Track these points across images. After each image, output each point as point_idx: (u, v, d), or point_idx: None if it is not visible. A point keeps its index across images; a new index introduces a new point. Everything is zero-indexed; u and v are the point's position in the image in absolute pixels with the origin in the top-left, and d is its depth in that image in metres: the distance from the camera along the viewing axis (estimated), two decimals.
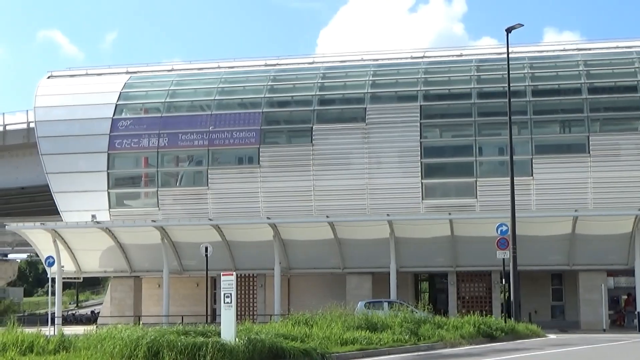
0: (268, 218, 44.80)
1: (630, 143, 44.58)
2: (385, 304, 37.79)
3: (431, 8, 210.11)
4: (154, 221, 46.37)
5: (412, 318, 29.81)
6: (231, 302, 21.71)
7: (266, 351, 20.86)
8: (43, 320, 43.07)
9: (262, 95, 49.52)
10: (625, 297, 46.45)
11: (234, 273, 22.35)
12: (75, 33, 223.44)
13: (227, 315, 21.67)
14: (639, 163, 43.98)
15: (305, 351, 21.52)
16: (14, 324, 22.21)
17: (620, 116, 45.54)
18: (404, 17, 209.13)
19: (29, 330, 21.87)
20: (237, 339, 20.83)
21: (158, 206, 48.62)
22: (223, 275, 22.15)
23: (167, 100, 50.75)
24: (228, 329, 21.36)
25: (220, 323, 22.32)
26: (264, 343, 21.10)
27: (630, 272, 42.70)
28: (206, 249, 41.14)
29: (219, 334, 21.29)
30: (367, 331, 26.80)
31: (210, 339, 20.36)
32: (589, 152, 44.60)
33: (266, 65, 52.58)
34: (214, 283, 44.09)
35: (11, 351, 19.06)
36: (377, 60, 51.46)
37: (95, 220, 46.83)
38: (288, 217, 45.35)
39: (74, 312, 73.96)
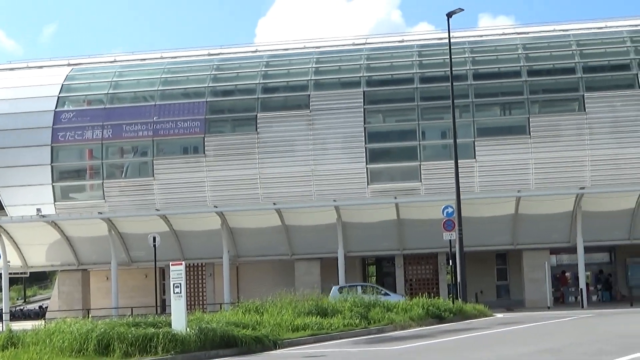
0: (215, 207, 44.69)
1: (569, 123, 45.18)
2: (359, 288, 38.03)
3: None
4: (101, 213, 45.87)
5: (362, 302, 29.93)
6: (181, 292, 21.62)
7: (218, 340, 20.89)
8: None
9: (206, 85, 49.19)
10: (567, 274, 47.42)
11: (183, 263, 22.24)
12: (11, 26, 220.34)
13: (177, 306, 21.57)
14: (578, 143, 44.68)
15: (257, 338, 21.56)
16: None
17: (560, 97, 46.06)
18: (342, 5, 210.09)
19: None
20: (188, 329, 20.84)
21: (104, 198, 48.06)
22: (172, 265, 22.07)
23: (110, 91, 50.15)
24: (179, 319, 21.27)
25: (170, 314, 22.22)
26: (216, 332, 21.14)
27: (573, 250, 43.45)
28: (154, 239, 40.90)
29: (169, 325, 21.25)
30: (318, 317, 26.95)
31: (161, 330, 20.34)
32: (530, 134, 45.13)
33: (209, 54, 52.30)
34: (163, 274, 43.84)
35: None
36: (319, 47, 51.40)
37: (40, 214, 46.14)
38: (235, 205, 45.22)
39: (21, 307, 72.88)
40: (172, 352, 19.38)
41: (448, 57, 38.53)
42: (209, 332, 20.93)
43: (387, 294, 37.26)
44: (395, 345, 20.99)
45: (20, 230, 46.96)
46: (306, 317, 26.49)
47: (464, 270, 36.56)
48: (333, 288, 38.66)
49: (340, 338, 24.12)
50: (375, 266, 50.05)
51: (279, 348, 21.66)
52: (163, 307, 42.60)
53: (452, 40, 39.99)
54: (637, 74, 45.31)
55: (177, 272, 21.81)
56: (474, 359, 17.01)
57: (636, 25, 48.65)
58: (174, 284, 21.82)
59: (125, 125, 48.59)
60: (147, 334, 19.89)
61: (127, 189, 48.45)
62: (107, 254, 45.90)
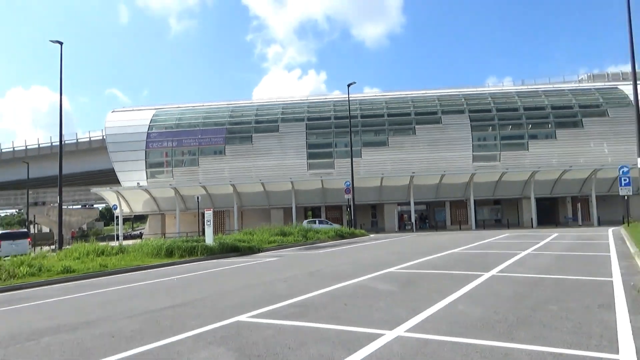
0: (230, 181, 44.38)
1: (407, 140, 45.92)
2: (317, 221, 38.37)
3: (309, 77, 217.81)
4: (171, 185, 45.26)
5: (303, 228, 30.17)
6: (210, 223, 21.68)
7: (229, 248, 21.22)
8: (113, 238, 41.81)
9: (226, 119, 48.70)
10: (405, 215, 48.33)
11: (212, 209, 22.30)
12: (126, 90, 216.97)
13: (208, 231, 21.74)
14: (411, 150, 45.45)
15: (249, 247, 22.04)
16: (93, 240, 21.67)
17: (403, 127, 46.62)
18: (295, 81, 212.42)
19: (103, 243, 21.38)
20: (214, 243, 20.96)
21: (173, 177, 47.38)
22: (206, 211, 22.20)
23: (176, 122, 49.33)
24: (209, 238, 21.46)
25: (205, 236, 22.24)
26: (228, 244, 21.48)
27: (408, 203, 44.30)
28: (198, 198, 40.58)
29: (204, 241, 21.38)
30: (281, 236, 27.24)
31: (199, 243, 20.60)
32: (389, 145, 45.77)
33: (228, 104, 51.72)
34: (203, 215, 43.35)
35: (92, 254, 18.63)
36: (284, 101, 51.28)
37: (139, 185, 45.50)
38: (241, 180, 44.91)
39: (130, 232, 71.48)
40: (205, 254, 19.68)
41: (348, 106, 38.92)
42: (224, 244, 21.23)
43: (331, 224, 37.63)
44: (319, 250, 21.35)
45: (129, 194, 46.17)
46: (275, 236, 26.91)
47: (355, 213, 37.11)
48: (304, 222, 38.84)
49: (292, 247, 24.46)
50: (311, 211, 50.36)
51: (261, 252, 22.02)
52: (203, 232, 42.26)
53: (350, 98, 40.47)
54: (440, 117, 46.25)
55: (208, 214, 21.98)
56: (358, 255, 17.39)
57: (441, 93, 49.60)
58: (206, 219, 21.89)
59: (184, 140, 47.94)
60: (192, 246, 20.08)
61: (185, 173, 47.79)
62: (174, 205, 45.45)
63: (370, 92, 54.92)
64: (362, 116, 47.11)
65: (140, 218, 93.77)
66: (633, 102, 22.79)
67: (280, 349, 5.52)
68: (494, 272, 10.93)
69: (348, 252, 19.67)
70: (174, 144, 47.87)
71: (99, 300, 10.04)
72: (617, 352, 5.05)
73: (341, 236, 30.53)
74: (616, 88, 48.01)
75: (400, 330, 6.06)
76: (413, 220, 43.44)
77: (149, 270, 16.20)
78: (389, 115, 47.07)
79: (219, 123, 48.71)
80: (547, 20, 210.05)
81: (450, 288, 8.91)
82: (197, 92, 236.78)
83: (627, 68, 75.71)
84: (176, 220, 45.45)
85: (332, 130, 46.75)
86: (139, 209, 48.26)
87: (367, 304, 7.84)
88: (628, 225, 27.47)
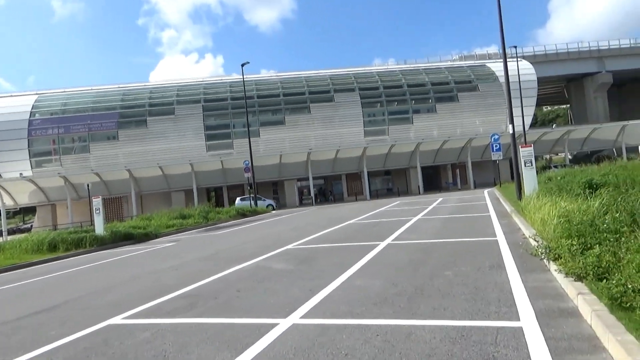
0: (125, 167, 40.68)
1: (303, 119, 45.11)
2: (250, 198, 36.29)
3: (207, 61, 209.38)
4: (60, 173, 40.29)
5: (203, 209, 28.51)
6: (100, 212, 19.59)
7: (122, 236, 19.38)
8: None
9: (118, 103, 44.46)
10: (305, 190, 47.98)
11: (100, 197, 20.02)
12: (8, 77, 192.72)
13: (98, 219, 19.59)
14: (307, 129, 44.81)
15: (145, 233, 20.33)
16: None
17: (298, 106, 45.51)
18: (193, 65, 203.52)
19: None
20: (105, 232, 18.90)
21: (62, 165, 42.42)
22: (93, 198, 19.99)
23: (62, 107, 44.07)
24: (99, 227, 19.33)
25: (95, 225, 19.98)
26: (121, 232, 19.61)
27: (307, 179, 43.75)
28: (88, 185, 36.52)
29: (94, 231, 19.11)
30: (181, 219, 25.49)
31: (88, 234, 18.43)
32: (285, 124, 44.83)
33: (119, 87, 47.26)
34: None
35: None
36: (180, 83, 48.00)
37: (22, 176, 40.08)
38: (137, 165, 41.36)
39: (19, 226, 63.66)
40: (95, 246, 17.67)
41: (243, 87, 37.23)
42: (117, 232, 19.34)
43: (265, 200, 36.26)
44: (219, 231, 20.16)
45: (10, 185, 40.17)
46: (174, 220, 25.13)
47: (256, 191, 35.81)
48: (237, 200, 37.25)
49: (192, 230, 22.95)
50: (214, 192, 48.19)
51: (158, 237, 20.38)
52: None
53: (246, 80, 38.73)
54: (333, 95, 45.90)
55: (97, 202, 19.86)
56: (258, 234, 16.39)
57: (333, 72, 49.45)
58: (95, 208, 19.67)
59: (72, 125, 43.02)
60: (80, 237, 17.94)
61: (76, 160, 42.97)
62: (65, 195, 40.69)
63: (266, 74, 53.40)
64: (259, 96, 45.55)
65: (33, 210, 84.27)
66: (503, 78, 23.80)
67: (153, 357, 4.38)
68: (389, 240, 10.53)
69: (249, 230, 18.59)
70: (61, 130, 42.79)
71: None
72: (517, 318, 4.60)
73: (243, 215, 29.30)
74: (484, 66, 51.20)
75: (296, 317, 5.20)
76: (312, 194, 43.20)
77: (26, 269, 13.85)
78: (285, 95, 46.01)
79: (111, 107, 44.34)
80: (424, 6, 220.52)
81: (349, 261, 8.26)
82: (89, 77, 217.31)
83: (492, 49, 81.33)
84: (68, 210, 40.91)
85: (230, 111, 44.67)
86: (24, 200, 42.65)
87: (262, 288, 6.90)
88: (500, 186, 29.43)
